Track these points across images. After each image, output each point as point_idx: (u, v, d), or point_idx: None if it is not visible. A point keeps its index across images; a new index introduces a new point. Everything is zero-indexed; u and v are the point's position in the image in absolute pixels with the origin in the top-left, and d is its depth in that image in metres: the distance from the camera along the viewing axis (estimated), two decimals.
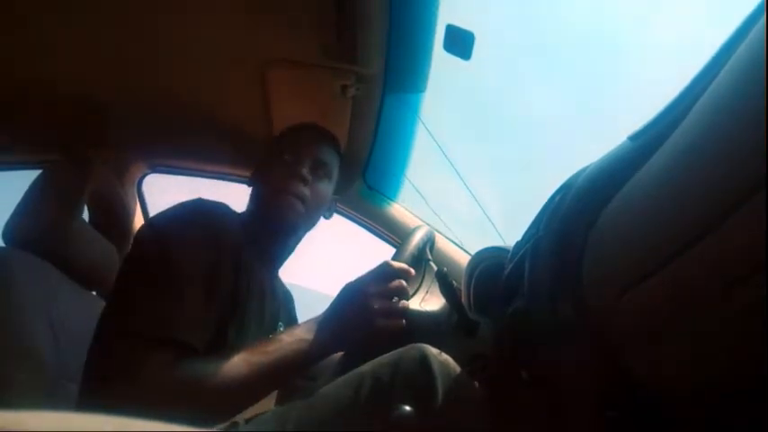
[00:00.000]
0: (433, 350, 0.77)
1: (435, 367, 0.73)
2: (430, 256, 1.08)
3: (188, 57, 1.20)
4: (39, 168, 1.29)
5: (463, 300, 1.15)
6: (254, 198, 1.11)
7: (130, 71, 1.21)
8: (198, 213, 0.91)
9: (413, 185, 1.56)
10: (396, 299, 0.89)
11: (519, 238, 0.90)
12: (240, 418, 0.89)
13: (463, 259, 1.39)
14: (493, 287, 0.94)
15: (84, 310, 1.10)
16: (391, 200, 1.55)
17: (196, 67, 1.22)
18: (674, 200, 0.43)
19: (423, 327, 0.95)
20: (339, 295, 0.90)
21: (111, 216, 1.41)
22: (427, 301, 1.01)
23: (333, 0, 1.00)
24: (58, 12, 1.07)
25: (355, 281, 0.90)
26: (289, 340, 0.85)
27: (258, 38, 1.15)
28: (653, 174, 0.50)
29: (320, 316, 0.90)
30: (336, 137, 1.17)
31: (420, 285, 1.03)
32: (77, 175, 1.23)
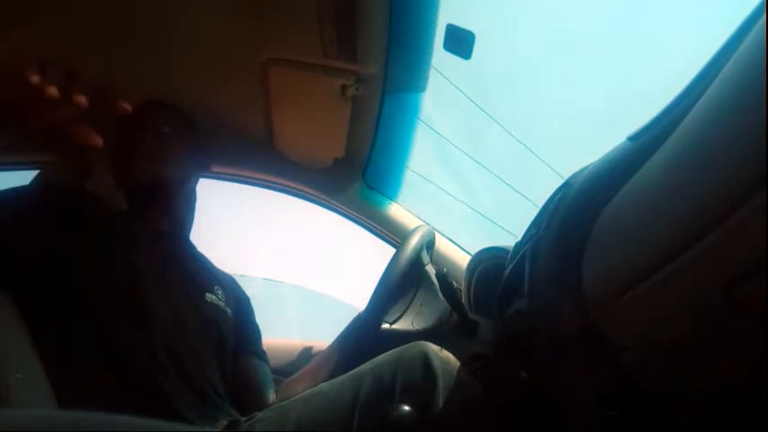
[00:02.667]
0: (433, 347, 0.77)
1: (436, 365, 0.73)
2: (427, 260, 1.07)
3: (188, 56, 1.20)
4: (38, 169, 1.29)
5: (463, 300, 1.14)
6: None
7: (128, 71, 1.21)
8: None
9: (413, 185, 1.56)
10: None
11: (519, 238, 0.89)
12: (240, 417, 0.89)
13: (463, 259, 1.39)
14: (493, 287, 0.93)
15: None
16: (391, 200, 1.55)
17: (196, 66, 1.22)
18: (674, 200, 0.43)
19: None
20: None
21: None
22: (421, 314, 1.01)
23: (333, 0, 1.00)
24: (53, 11, 1.07)
25: None
26: None
27: (258, 38, 1.15)
28: (653, 174, 0.50)
29: None
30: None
31: (414, 298, 1.02)
32: (76, 177, 1.23)
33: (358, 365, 0.81)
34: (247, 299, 1.23)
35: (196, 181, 1.23)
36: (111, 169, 1.13)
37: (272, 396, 1.09)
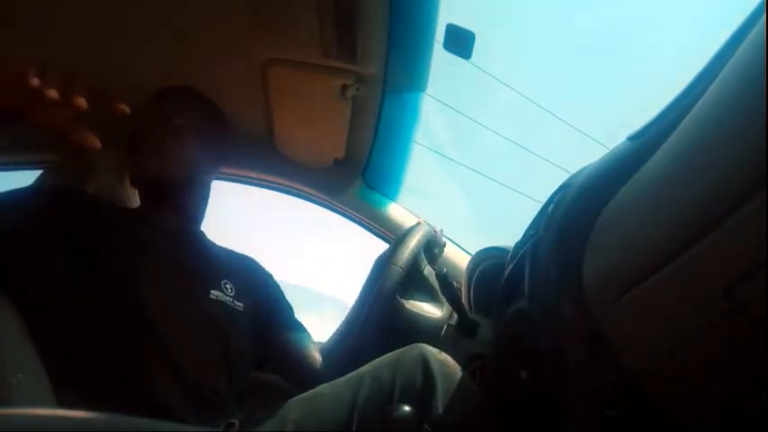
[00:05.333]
0: (432, 350, 0.77)
1: (435, 367, 0.73)
2: (425, 265, 1.06)
3: (187, 56, 1.20)
4: (39, 169, 1.29)
5: (463, 300, 1.14)
6: None
7: (129, 70, 1.21)
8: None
9: (413, 185, 1.56)
10: None
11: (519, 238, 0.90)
12: (238, 418, 0.89)
13: (463, 259, 1.39)
14: (493, 288, 0.93)
15: None
16: (391, 200, 1.55)
17: (196, 66, 1.22)
18: (674, 200, 0.43)
19: (423, 330, 0.96)
20: None
21: None
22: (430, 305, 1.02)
23: (333, 0, 1.00)
24: (53, 12, 1.06)
25: None
26: None
27: (258, 38, 1.15)
28: (653, 174, 0.50)
29: None
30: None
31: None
32: (77, 177, 1.23)
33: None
34: (269, 277, 1.19)
35: (213, 174, 1.18)
36: (123, 165, 1.11)
37: (317, 361, 1.06)
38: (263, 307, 1.11)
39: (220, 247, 1.16)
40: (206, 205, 1.17)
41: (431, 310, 1.00)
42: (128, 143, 1.07)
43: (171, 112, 1.08)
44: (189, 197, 1.11)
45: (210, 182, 1.18)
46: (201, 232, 1.16)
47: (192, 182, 1.10)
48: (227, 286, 1.04)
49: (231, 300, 1.03)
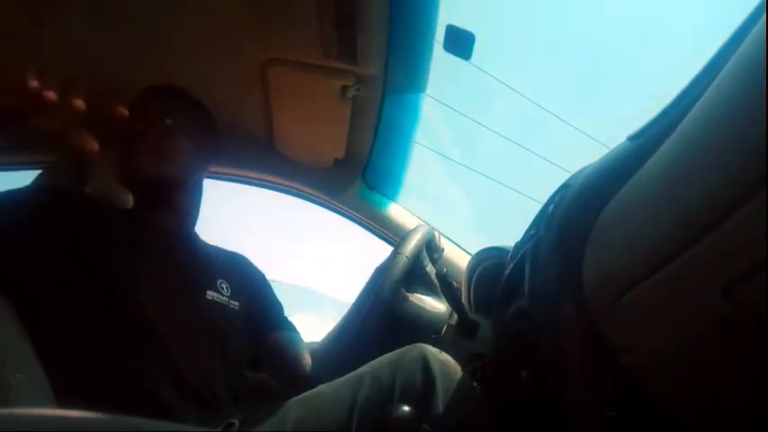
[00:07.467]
0: (432, 350, 0.77)
1: (435, 367, 0.73)
2: (427, 262, 1.06)
3: (188, 56, 1.20)
4: (38, 169, 1.29)
5: (463, 300, 1.15)
6: None
7: (129, 71, 1.21)
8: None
9: (413, 186, 1.56)
10: None
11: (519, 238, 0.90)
12: (237, 418, 0.89)
13: (463, 260, 1.39)
14: (493, 287, 0.94)
15: None
16: (391, 200, 1.55)
17: (196, 66, 1.22)
18: (674, 200, 0.43)
19: (425, 323, 0.96)
20: None
21: None
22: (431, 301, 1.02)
23: (333, 0, 1.00)
24: (53, 14, 1.06)
25: None
26: None
27: (258, 38, 1.15)
28: (652, 174, 0.50)
29: None
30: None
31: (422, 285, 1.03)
32: (76, 178, 1.23)
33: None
34: (261, 276, 1.19)
35: (204, 174, 1.18)
36: (115, 167, 1.11)
37: (308, 362, 1.06)
38: (257, 306, 1.11)
39: (213, 247, 1.17)
40: (199, 205, 1.17)
41: (434, 304, 1.00)
42: (118, 144, 1.05)
43: (162, 113, 1.06)
44: (182, 197, 1.11)
45: (202, 181, 1.18)
46: (195, 233, 1.15)
47: (184, 182, 1.10)
48: (223, 286, 1.05)
49: (227, 300, 1.04)
